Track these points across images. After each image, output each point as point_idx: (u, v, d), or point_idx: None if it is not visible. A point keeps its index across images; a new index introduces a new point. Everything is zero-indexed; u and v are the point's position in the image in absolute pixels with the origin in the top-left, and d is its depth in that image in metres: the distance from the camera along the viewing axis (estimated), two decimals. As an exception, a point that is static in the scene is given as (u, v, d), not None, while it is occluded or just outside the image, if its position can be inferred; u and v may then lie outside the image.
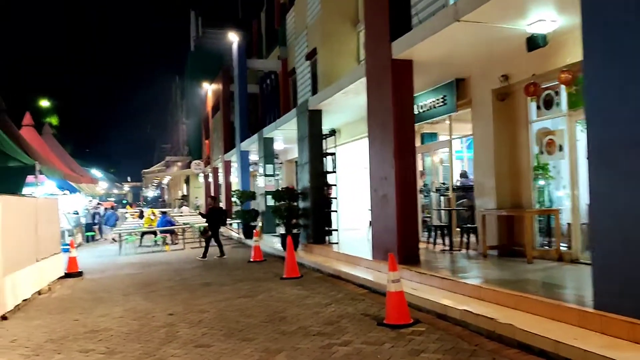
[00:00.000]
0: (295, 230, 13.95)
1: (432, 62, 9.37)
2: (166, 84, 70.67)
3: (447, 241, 10.92)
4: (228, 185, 29.03)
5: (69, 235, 20.35)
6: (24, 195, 15.81)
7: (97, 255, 17.85)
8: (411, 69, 9.11)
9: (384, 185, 9.29)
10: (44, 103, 43.04)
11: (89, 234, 23.73)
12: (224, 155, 28.85)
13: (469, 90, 10.45)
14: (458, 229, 10.88)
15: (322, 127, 13.73)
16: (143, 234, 20.37)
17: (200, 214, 15.08)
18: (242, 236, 19.84)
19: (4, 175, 15.81)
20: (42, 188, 21.96)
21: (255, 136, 20.50)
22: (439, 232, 11.12)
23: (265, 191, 18.83)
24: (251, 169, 26.43)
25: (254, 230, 15.07)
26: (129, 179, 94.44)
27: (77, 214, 23.22)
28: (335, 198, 13.40)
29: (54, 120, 44.53)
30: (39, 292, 10.35)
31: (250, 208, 21.25)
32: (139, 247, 19.72)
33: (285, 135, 18.71)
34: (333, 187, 13.69)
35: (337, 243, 13.10)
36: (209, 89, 35.04)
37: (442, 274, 7.70)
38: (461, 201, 11.70)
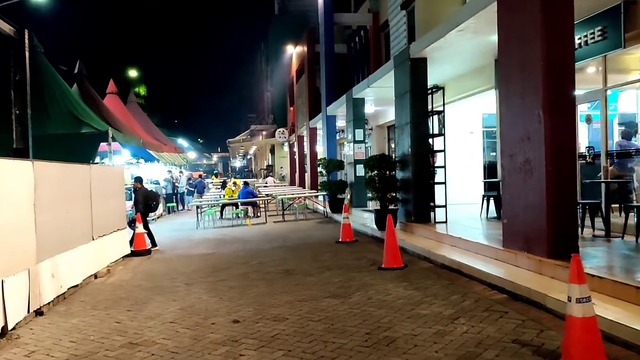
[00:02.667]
0: (391, 206, 11.64)
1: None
2: (252, 53, 69.88)
3: (595, 224, 8.20)
4: (313, 154, 27.09)
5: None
6: (95, 162, 14.69)
7: (174, 229, 16.57)
8: (571, -19, 6.37)
9: (526, 148, 6.70)
10: (132, 73, 43.11)
11: (170, 204, 22.72)
12: (309, 122, 26.85)
13: (643, 16, 7.49)
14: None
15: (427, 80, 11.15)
16: (223, 206, 18.93)
17: (134, 189, 12.12)
18: (328, 210, 17.83)
19: (75, 142, 14.73)
20: (119, 157, 21.19)
21: (343, 98, 18.19)
22: (587, 212, 8.34)
23: (355, 159, 16.57)
24: (337, 137, 24.28)
25: (344, 204, 12.93)
26: (218, 149, 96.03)
27: (158, 183, 22.24)
28: (443, 167, 10.87)
29: (142, 90, 44.76)
30: (95, 276, 8.87)
31: (338, 179, 19.15)
32: (220, 219, 18.33)
33: (377, 94, 16.25)
34: (439, 153, 11.16)
35: (445, 222, 10.64)
36: (293, 53, 33.02)
37: (637, 281, 5.10)
38: (610, 168, 8.84)
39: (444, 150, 10.89)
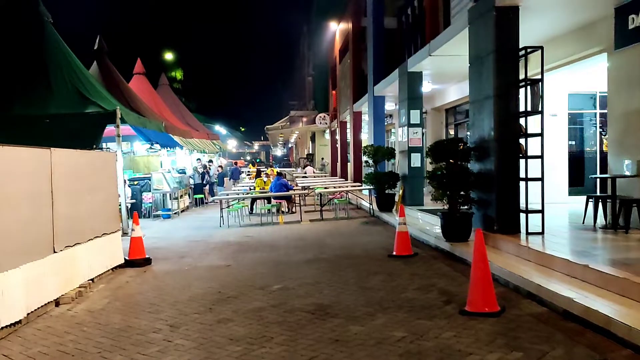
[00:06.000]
0: (464, 207, 8.73)
1: None
2: (295, 39, 67.26)
3: None
4: (357, 142, 24.26)
5: (172, 199, 17.02)
6: (98, 148, 12.36)
7: (195, 226, 14.11)
8: None
9: None
10: (168, 56, 41.09)
11: (198, 196, 20.33)
12: (353, 105, 23.97)
13: None
14: None
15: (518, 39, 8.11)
16: (253, 200, 16.39)
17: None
18: (375, 207, 14.99)
19: (79, 124, 12.58)
20: (139, 144, 18.92)
21: (395, 73, 15.23)
22: None
23: (409, 147, 13.63)
24: (386, 122, 21.33)
25: (400, 205, 10.09)
26: (261, 138, 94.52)
27: (184, 172, 19.86)
28: (540, 157, 7.87)
29: (178, 74, 42.77)
30: (57, 302, 6.39)
31: (386, 170, 16.27)
32: (250, 214, 15.81)
33: (436, 68, 13.25)
34: (531, 138, 8.14)
35: (541, 234, 7.66)
36: (337, 30, 30.11)
37: None
38: None
39: (541, 134, 7.88)
